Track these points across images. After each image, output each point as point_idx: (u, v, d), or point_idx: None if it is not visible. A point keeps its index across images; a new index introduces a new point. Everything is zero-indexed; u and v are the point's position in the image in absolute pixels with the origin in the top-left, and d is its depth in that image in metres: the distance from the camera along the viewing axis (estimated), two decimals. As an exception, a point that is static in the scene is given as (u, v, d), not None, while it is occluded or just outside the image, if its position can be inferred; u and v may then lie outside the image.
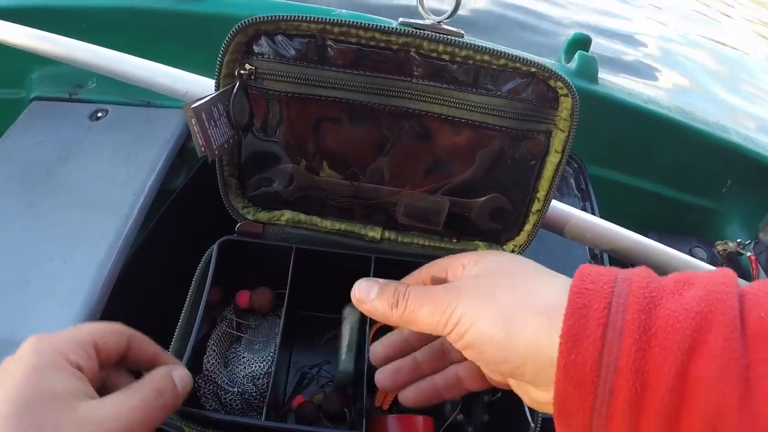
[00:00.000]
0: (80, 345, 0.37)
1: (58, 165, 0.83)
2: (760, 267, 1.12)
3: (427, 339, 0.47)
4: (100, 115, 0.93)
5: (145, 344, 0.43)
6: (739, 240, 1.14)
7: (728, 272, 0.32)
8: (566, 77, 0.50)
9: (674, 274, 0.33)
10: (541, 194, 0.57)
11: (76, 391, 0.34)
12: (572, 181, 0.97)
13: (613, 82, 1.09)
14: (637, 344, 0.29)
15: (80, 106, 0.95)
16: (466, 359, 0.44)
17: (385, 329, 0.67)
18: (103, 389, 0.38)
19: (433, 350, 0.47)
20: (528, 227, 0.59)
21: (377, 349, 0.48)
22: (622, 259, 0.69)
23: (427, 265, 0.44)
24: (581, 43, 1.08)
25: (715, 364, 0.28)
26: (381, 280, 0.42)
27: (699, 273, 0.33)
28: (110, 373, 0.41)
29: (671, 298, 0.31)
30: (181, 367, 0.42)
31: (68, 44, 0.69)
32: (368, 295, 0.41)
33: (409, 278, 0.45)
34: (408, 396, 0.46)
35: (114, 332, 0.40)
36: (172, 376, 0.40)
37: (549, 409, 0.35)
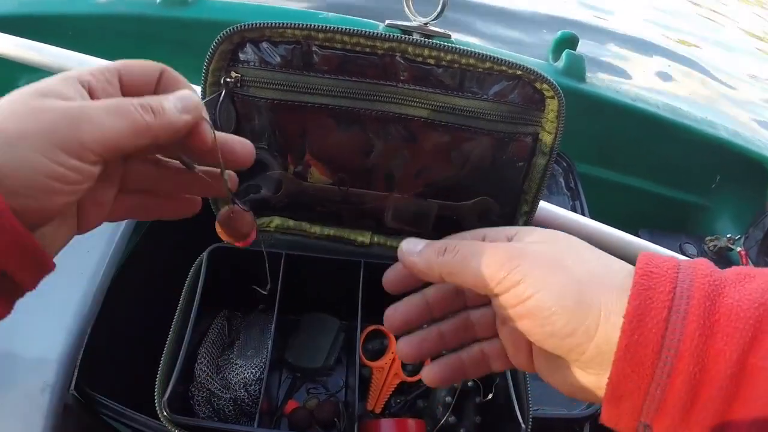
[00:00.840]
0: (100, 71, 0.32)
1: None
2: (750, 262, 1.12)
3: (450, 306, 0.43)
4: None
5: (179, 83, 0.36)
6: (729, 235, 1.15)
7: None
8: (552, 79, 0.50)
9: (734, 267, 0.33)
10: (529, 196, 0.57)
11: (62, 93, 0.30)
12: (561, 179, 0.97)
13: (601, 80, 1.10)
14: (700, 329, 0.29)
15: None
16: (491, 336, 0.41)
17: (374, 335, 0.68)
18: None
19: (458, 322, 0.43)
20: (517, 229, 0.59)
21: (394, 314, 0.42)
22: (611, 257, 0.69)
23: (457, 235, 0.41)
24: (569, 41, 1.08)
25: None
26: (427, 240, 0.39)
27: (759, 269, 0.33)
28: None
29: (733, 287, 0.31)
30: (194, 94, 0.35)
31: (55, 53, 0.69)
32: (415, 246, 0.39)
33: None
34: (433, 372, 0.42)
35: (143, 66, 0.34)
36: (176, 97, 0.33)
37: (587, 395, 0.35)
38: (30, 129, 0.28)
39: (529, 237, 0.37)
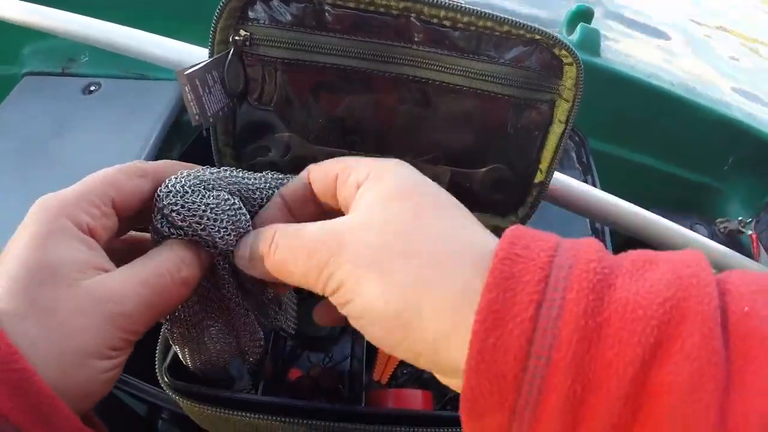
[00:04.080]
0: (91, 202, 0.31)
1: (51, 139, 0.82)
2: (761, 246, 1.11)
3: None
4: (93, 88, 0.92)
5: (170, 169, 0.35)
6: (740, 218, 1.14)
7: (698, 254, 0.25)
8: (571, 45, 0.49)
9: (629, 252, 0.27)
10: (543, 165, 0.55)
11: (82, 262, 0.28)
12: (573, 154, 0.96)
13: (615, 54, 1.08)
14: (581, 332, 0.23)
15: (73, 80, 0.94)
16: None
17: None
18: (133, 250, 0.33)
19: None
20: (530, 199, 0.58)
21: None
22: (624, 232, 0.68)
23: (312, 167, 0.36)
24: (583, 15, 1.06)
25: (688, 369, 0.21)
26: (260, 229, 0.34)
27: (661, 253, 0.26)
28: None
29: (629, 278, 0.24)
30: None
31: (60, 16, 0.68)
32: (245, 248, 0.34)
33: (285, 190, 0.37)
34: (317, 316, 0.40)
35: (130, 173, 0.33)
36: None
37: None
38: (87, 343, 0.27)
39: (370, 192, 0.31)
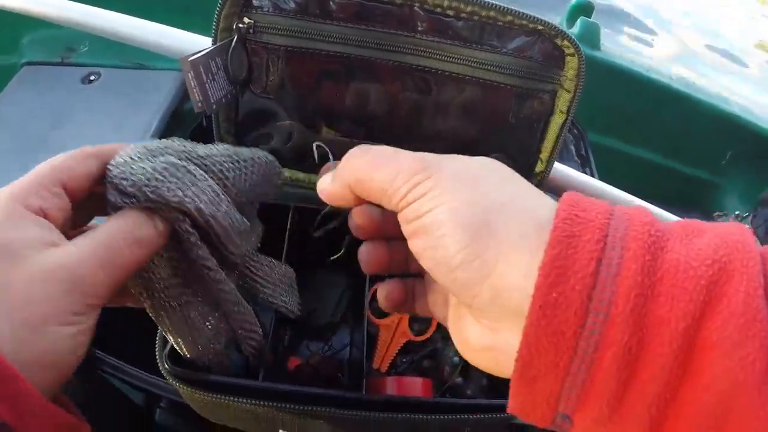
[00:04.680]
0: (42, 185, 0.32)
1: (50, 129, 0.81)
2: (758, 240, 1.11)
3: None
4: (92, 78, 0.91)
5: (114, 150, 0.36)
6: (737, 212, 1.14)
7: (742, 226, 0.27)
8: (573, 36, 0.49)
9: (680, 220, 0.27)
10: (544, 155, 0.56)
11: (33, 239, 0.29)
12: (572, 147, 0.96)
13: (615, 48, 1.08)
14: (637, 288, 0.23)
15: (72, 69, 0.93)
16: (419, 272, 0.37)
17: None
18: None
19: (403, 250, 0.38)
20: (531, 189, 0.58)
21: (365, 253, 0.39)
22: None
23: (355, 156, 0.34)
24: (583, 8, 1.07)
25: (735, 324, 0.22)
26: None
27: (709, 223, 0.27)
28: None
29: (680, 242, 0.25)
30: None
31: (59, 4, 0.67)
32: (327, 177, 0.35)
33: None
34: (382, 292, 0.40)
35: (78, 158, 0.34)
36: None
37: (482, 359, 0.29)
38: (45, 312, 0.28)
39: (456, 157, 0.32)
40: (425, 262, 0.29)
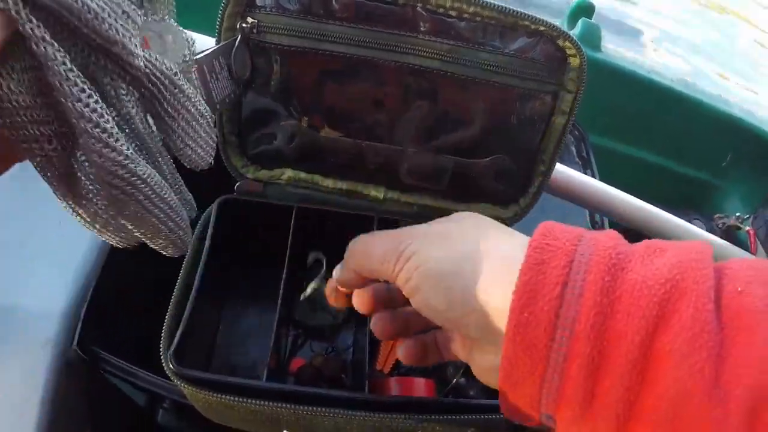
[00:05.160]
0: None
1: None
2: (758, 241, 1.12)
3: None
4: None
5: None
6: (738, 214, 1.14)
7: (704, 244, 0.30)
8: (575, 37, 0.50)
9: (645, 241, 0.31)
10: (546, 156, 0.56)
11: None
12: (573, 148, 0.96)
13: (616, 50, 1.09)
14: (597, 307, 0.27)
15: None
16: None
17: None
18: None
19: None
20: (532, 189, 0.58)
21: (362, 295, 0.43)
22: (623, 224, 0.68)
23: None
24: (584, 10, 1.07)
25: (684, 337, 0.25)
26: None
27: (672, 242, 0.30)
28: None
29: (640, 262, 0.28)
30: None
31: None
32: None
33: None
34: (404, 350, 0.44)
35: None
36: None
37: (494, 380, 0.32)
38: None
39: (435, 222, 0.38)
40: (424, 313, 0.34)
